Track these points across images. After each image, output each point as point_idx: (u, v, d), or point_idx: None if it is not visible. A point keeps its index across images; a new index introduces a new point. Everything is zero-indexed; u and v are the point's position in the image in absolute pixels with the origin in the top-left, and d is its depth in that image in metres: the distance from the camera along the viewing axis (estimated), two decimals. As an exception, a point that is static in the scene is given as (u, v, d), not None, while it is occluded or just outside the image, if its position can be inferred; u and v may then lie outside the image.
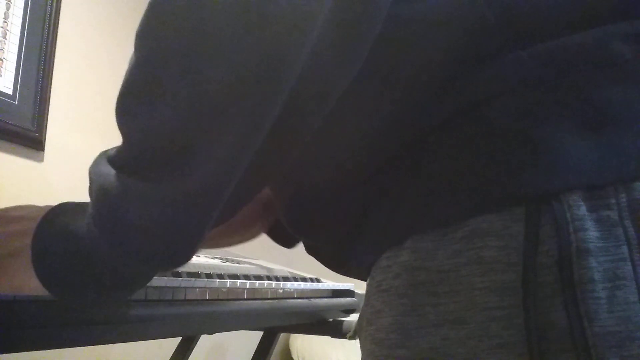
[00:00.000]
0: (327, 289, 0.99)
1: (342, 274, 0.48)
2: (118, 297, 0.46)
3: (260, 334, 1.17)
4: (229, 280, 0.68)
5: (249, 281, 0.73)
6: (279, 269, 0.94)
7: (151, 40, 0.33)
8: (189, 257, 0.40)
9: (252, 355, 1.16)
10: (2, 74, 1.23)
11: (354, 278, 0.47)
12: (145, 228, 0.36)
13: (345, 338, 0.99)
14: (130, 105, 0.35)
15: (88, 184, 0.39)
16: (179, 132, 0.33)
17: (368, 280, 0.42)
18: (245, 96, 0.32)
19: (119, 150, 0.37)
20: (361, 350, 0.42)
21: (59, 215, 0.41)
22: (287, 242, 0.63)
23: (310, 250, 0.49)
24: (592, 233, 0.30)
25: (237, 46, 0.30)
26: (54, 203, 0.44)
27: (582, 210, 0.31)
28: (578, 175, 0.31)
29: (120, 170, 0.37)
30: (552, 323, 0.30)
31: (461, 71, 0.34)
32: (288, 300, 0.84)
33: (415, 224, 0.36)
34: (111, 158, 0.38)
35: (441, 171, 0.35)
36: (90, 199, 0.39)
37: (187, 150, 0.34)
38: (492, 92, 0.33)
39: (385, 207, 0.38)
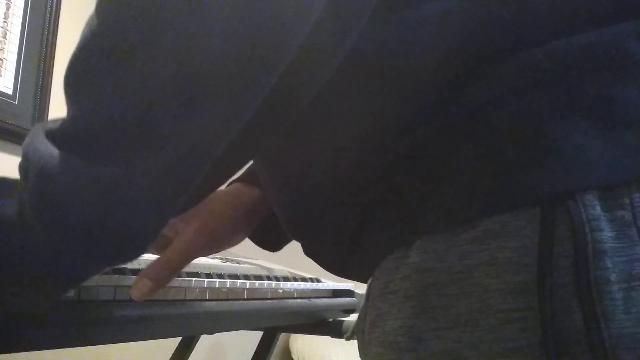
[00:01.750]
0: (327, 289, 0.99)
1: (342, 277, 0.47)
2: (46, 294, 0.39)
3: (260, 334, 1.17)
4: (229, 280, 0.67)
5: (249, 281, 0.72)
6: (279, 269, 0.94)
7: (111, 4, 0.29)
8: (141, 253, 0.37)
9: (252, 355, 1.16)
10: (2, 74, 1.23)
11: (354, 280, 0.46)
12: (98, 220, 0.33)
13: (343, 338, 1.00)
14: (90, 70, 0.30)
15: (20, 161, 0.34)
16: (156, 103, 0.30)
17: (370, 281, 0.41)
18: (241, 66, 0.30)
19: (65, 126, 0.32)
20: (362, 353, 0.41)
21: None
22: (271, 245, 0.61)
23: (308, 252, 0.48)
24: (607, 233, 0.30)
25: (235, 10, 0.28)
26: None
27: (598, 210, 0.30)
28: (592, 175, 0.31)
29: (69, 150, 0.32)
30: (568, 325, 0.30)
31: (473, 70, 0.34)
32: (288, 300, 0.84)
33: (425, 224, 0.35)
34: (54, 133, 0.33)
35: (452, 172, 0.34)
36: (23, 181, 0.34)
37: (163, 123, 0.30)
38: (504, 90, 0.33)
39: (391, 208, 0.37)
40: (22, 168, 0.35)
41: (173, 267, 0.49)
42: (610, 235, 0.30)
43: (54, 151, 0.32)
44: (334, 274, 0.47)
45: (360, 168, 0.38)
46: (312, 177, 0.41)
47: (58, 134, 0.32)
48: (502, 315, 0.31)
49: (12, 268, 0.35)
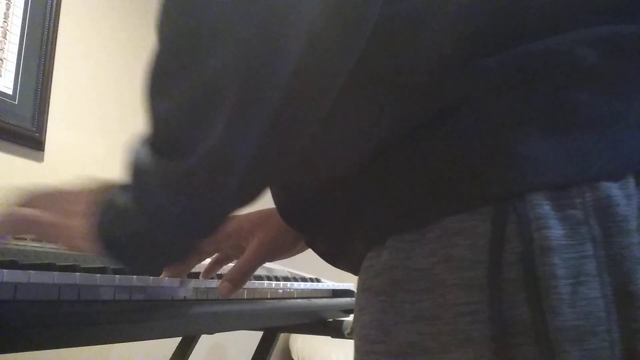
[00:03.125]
0: (327, 289, 0.99)
1: (337, 267, 0.49)
2: (158, 264, 0.52)
3: (260, 334, 1.17)
4: (229, 280, 0.67)
5: (249, 281, 0.73)
6: (279, 269, 0.94)
7: (164, 31, 0.37)
8: (216, 229, 0.44)
9: (252, 355, 1.16)
10: (2, 74, 1.23)
11: (349, 272, 0.48)
12: (174, 201, 0.40)
13: (345, 338, 1.00)
14: (152, 90, 0.39)
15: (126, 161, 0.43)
16: (186, 115, 0.37)
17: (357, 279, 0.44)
18: (244, 76, 0.34)
19: (149, 132, 0.41)
20: None
21: (109, 195, 0.45)
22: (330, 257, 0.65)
23: (308, 243, 0.51)
24: (556, 231, 0.31)
25: (240, 29, 0.33)
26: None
27: (546, 209, 0.32)
28: (542, 176, 0.32)
29: (152, 147, 0.40)
30: (516, 318, 0.31)
31: (432, 78, 0.36)
32: (288, 300, 0.84)
33: (395, 224, 0.37)
34: (145, 138, 0.41)
35: (416, 173, 0.36)
36: (128, 175, 0.42)
37: (191, 132, 0.37)
38: (461, 97, 0.35)
39: (369, 208, 0.39)
40: (127, 166, 0.42)
41: (244, 271, 0.59)
42: (560, 233, 0.31)
43: (145, 149, 0.41)
44: (331, 264, 0.49)
45: (339, 167, 0.40)
46: (300, 171, 0.44)
47: (147, 138, 0.41)
48: (458, 308, 0.33)
49: (130, 242, 0.44)
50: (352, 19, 0.34)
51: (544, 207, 0.32)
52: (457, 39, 0.35)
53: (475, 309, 0.33)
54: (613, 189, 0.32)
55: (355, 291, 0.43)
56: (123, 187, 0.43)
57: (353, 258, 0.43)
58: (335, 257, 0.48)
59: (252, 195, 0.42)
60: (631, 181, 0.32)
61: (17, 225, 0.48)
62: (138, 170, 0.41)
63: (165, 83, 0.38)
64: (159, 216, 0.41)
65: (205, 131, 0.36)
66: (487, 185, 0.33)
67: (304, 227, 0.49)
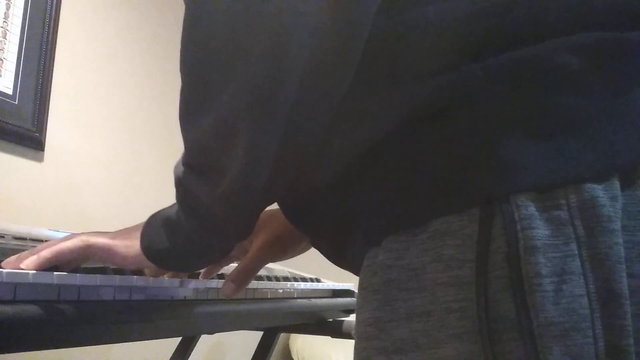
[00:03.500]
0: (327, 289, 0.99)
1: (341, 268, 0.50)
2: (199, 264, 0.55)
3: (260, 334, 1.17)
4: (229, 280, 0.67)
5: (249, 281, 0.73)
6: (279, 269, 0.94)
7: (185, 66, 0.41)
8: (248, 233, 0.49)
9: (252, 355, 1.16)
10: (2, 74, 1.23)
11: (353, 273, 0.49)
12: (207, 208, 0.45)
13: (346, 338, 1.00)
14: (182, 121, 0.43)
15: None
16: (213, 140, 0.42)
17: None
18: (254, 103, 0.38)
19: (185, 153, 0.46)
20: None
21: (160, 211, 0.51)
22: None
23: (314, 244, 0.53)
24: (541, 231, 0.33)
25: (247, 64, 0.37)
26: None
27: (531, 210, 0.33)
28: (527, 178, 0.33)
29: (187, 166, 0.45)
30: (502, 314, 0.33)
31: (422, 84, 0.37)
32: (288, 300, 0.84)
33: (390, 225, 0.39)
34: (183, 157, 0.46)
35: (408, 176, 0.38)
36: (176, 191, 0.48)
37: (220, 156, 0.42)
38: (447, 102, 0.36)
39: (366, 209, 0.41)
40: (175, 182, 0.48)
41: (247, 271, 0.60)
42: (545, 233, 0.33)
43: (182, 167, 0.46)
44: (335, 264, 0.51)
45: (332, 171, 0.43)
46: (301, 172, 0.45)
47: (184, 158, 0.46)
48: (446, 305, 0.35)
49: (181, 244, 0.49)
50: (348, 31, 0.36)
51: (529, 208, 0.33)
52: (448, 48, 0.37)
53: (464, 306, 0.34)
54: (597, 191, 0.33)
55: (356, 291, 0.45)
56: (166, 208, 0.50)
57: (354, 258, 0.44)
58: (338, 258, 0.49)
59: (274, 196, 0.47)
60: (616, 183, 0.33)
61: (78, 253, 0.51)
62: (180, 185, 0.47)
63: (192, 115, 0.42)
64: (203, 222, 0.46)
65: (230, 157, 0.41)
66: (475, 187, 0.35)
67: (308, 227, 0.51)
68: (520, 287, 0.32)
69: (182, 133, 0.44)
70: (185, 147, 0.45)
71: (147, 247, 0.50)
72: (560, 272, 0.32)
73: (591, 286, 0.32)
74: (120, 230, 0.53)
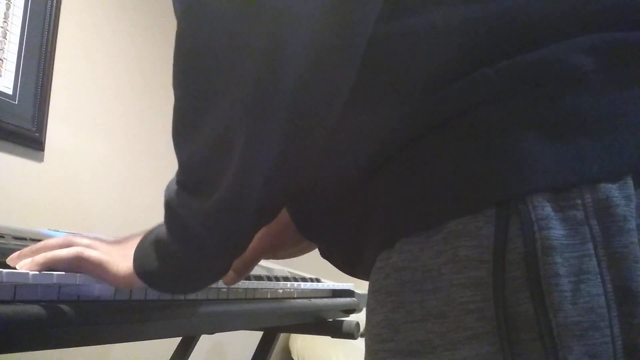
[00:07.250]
0: (327, 289, 0.99)
1: (355, 277, 0.50)
2: (195, 286, 0.55)
3: (260, 334, 1.17)
4: (229, 280, 0.67)
5: (248, 281, 0.73)
6: (279, 269, 0.94)
7: (179, 79, 0.40)
8: (241, 252, 0.48)
9: (252, 355, 1.16)
10: (2, 74, 1.23)
11: (365, 280, 0.48)
12: (198, 231, 0.44)
13: (346, 338, 1.00)
14: (176, 137, 0.43)
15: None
16: (205, 158, 0.41)
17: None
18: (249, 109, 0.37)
19: (177, 171, 0.45)
20: None
21: (152, 231, 0.50)
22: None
23: (323, 254, 0.52)
24: (557, 231, 0.33)
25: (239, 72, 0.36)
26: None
27: (547, 210, 0.33)
28: (543, 178, 0.33)
29: (180, 184, 0.45)
30: (521, 314, 0.33)
31: (436, 88, 0.37)
32: (288, 300, 0.84)
33: (403, 228, 0.39)
34: (176, 176, 0.46)
35: (423, 177, 0.38)
36: (165, 211, 0.47)
37: (214, 172, 0.41)
38: (463, 105, 0.36)
39: (378, 213, 0.41)
40: (164, 204, 0.47)
41: (247, 261, 0.60)
42: (561, 233, 0.33)
43: (174, 186, 0.45)
44: (347, 274, 0.51)
45: (351, 172, 0.42)
46: (312, 178, 0.45)
47: (177, 176, 0.45)
48: (464, 306, 0.35)
49: (171, 266, 0.48)
50: (349, 32, 0.36)
51: (545, 208, 0.33)
52: (458, 52, 0.37)
53: (481, 306, 0.34)
54: (612, 190, 0.33)
55: (367, 292, 0.44)
56: (158, 226, 0.48)
57: (366, 265, 0.44)
58: (351, 267, 0.49)
59: (273, 212, 0.46)
60: (630, 182, 0.33)
61: (70, 262, 0.50)
62: (169, 207, 0.46)
63: (186, 129, 0.41)
64: (190, 243, 0.46)
65: (224, 171, 0.40)
66: (490, 188, 0.35)
67: (318, 236, 0.50)
68: (538, 287, 0.32)
69: (176, 151, 0.43)
70: (180, 165, 0.44)
71: (139, 266, 0.49)
72: (577, 271, 0.32)
73: (608, 285, 0.32)
74: (120, 241, 0.52)
